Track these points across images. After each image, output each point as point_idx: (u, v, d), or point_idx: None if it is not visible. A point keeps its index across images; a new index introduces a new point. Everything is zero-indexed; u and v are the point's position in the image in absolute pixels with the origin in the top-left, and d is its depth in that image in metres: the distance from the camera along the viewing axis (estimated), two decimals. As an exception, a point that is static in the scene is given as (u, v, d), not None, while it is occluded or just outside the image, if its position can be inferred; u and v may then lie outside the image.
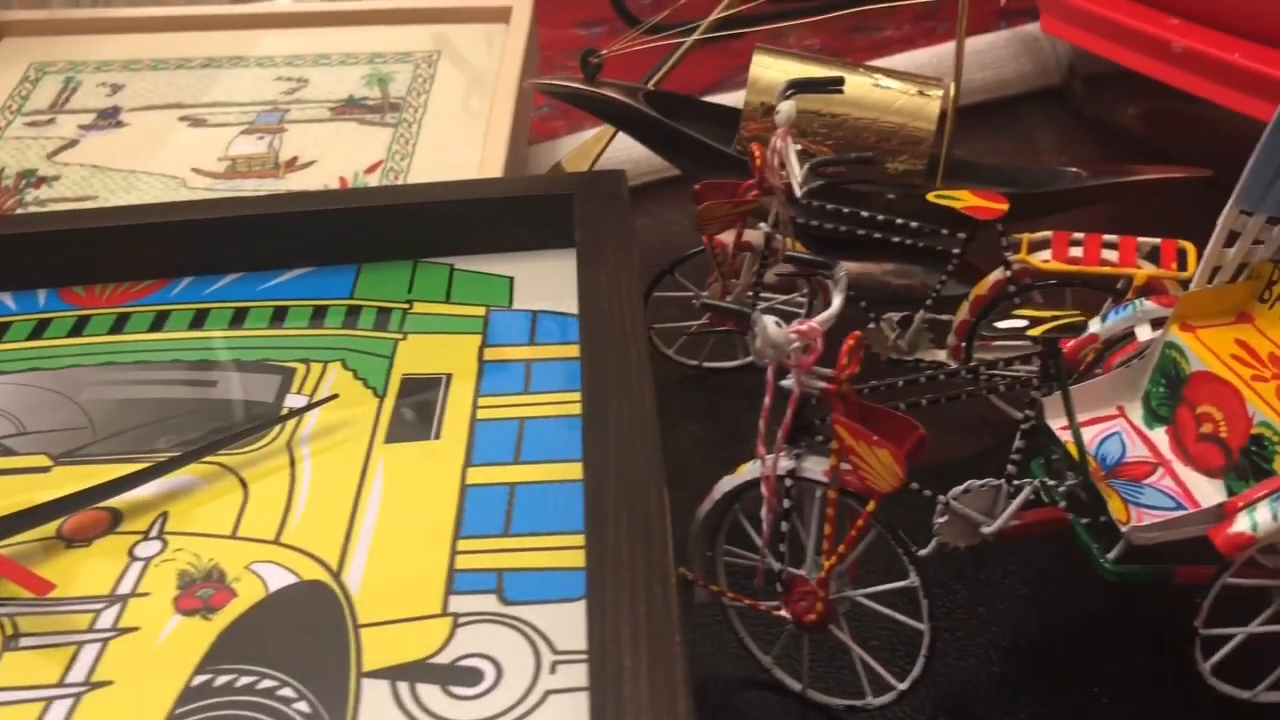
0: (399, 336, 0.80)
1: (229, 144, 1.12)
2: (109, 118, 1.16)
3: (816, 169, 0.80)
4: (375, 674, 0.55)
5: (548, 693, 0.54)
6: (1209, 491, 0.65)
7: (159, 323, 0.83)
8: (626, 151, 1.19)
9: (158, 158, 1.10)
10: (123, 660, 0.56)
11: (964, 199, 0.79)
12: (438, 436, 0.71)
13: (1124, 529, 0.62)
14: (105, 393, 0.75)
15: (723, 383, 0.96)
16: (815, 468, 0.61)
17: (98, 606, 0.59)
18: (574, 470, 0.65)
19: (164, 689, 0.54)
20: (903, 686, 0.64)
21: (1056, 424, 0.71)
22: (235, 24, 1.28)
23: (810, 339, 0.58)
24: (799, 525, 0.64)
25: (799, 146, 0.81)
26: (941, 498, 0.65)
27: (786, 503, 0.62)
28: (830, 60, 1.00)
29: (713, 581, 0.68)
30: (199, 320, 0.83)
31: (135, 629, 0.58)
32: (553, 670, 0.55)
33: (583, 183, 0.88)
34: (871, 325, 0.87)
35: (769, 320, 0.57)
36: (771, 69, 0.97)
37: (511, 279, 0.86)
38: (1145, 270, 0.76)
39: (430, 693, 0.54)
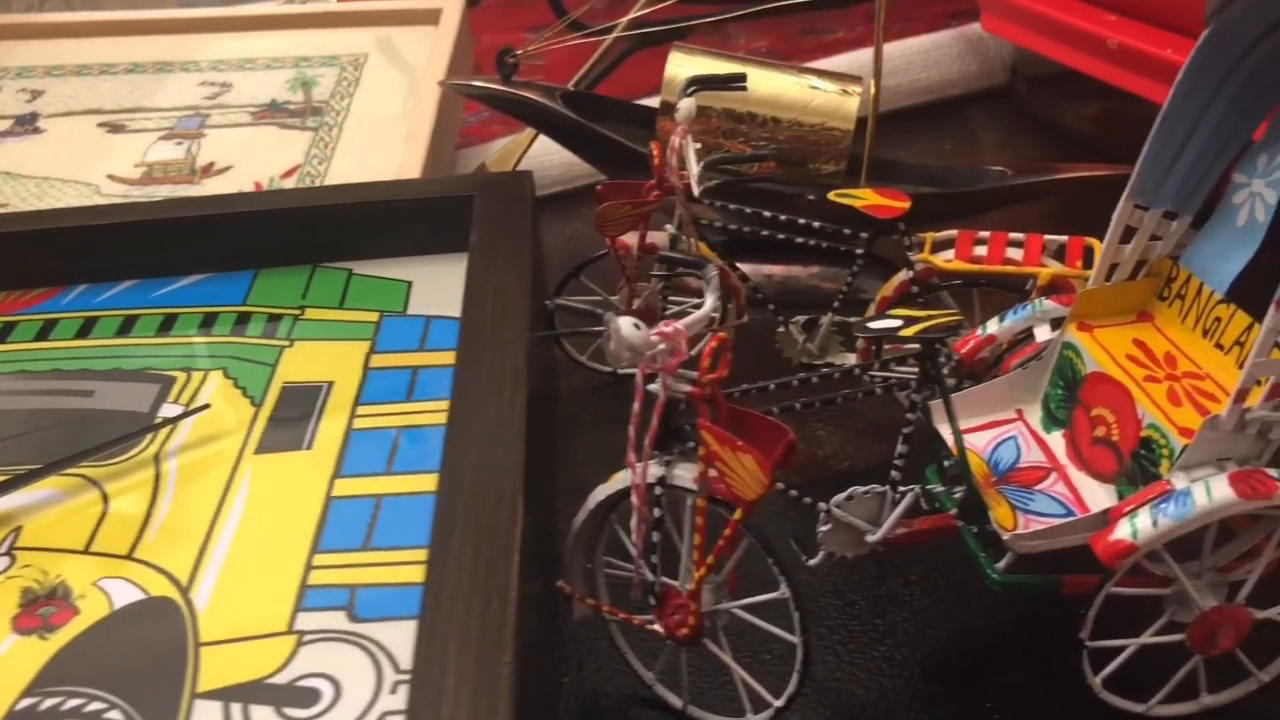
0: (285, 343, 0.78)
1: (147, 150, 1.09)
2: (26, 124, 1.14)
3: (712, 168, 0.77)
4: (209, 695, 0.53)
5: (385, 714, 0.52)
6: (1101, 497, 0.62)
7: (45, 332, 0.80)
8: (560, 154, 1.16)
9: (73, 164, 1.08)
10: (-53, 683, 0.54)
11: (865, 198, 0.76)
12: (310, 447, 0.68)
13: (1005, 537, 0.59)
14: (-24, 404, 0.73)
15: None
16: (685, 475, 0.59)
17: (-70, 626, 0.57)
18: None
19: (-16, 713, 0.52)
20: (779, 704, 0.61)
21: (949, 430, 0.68)
22: (163, 29, 1.26)
23: (674, 341, 0.56)
24: (675, 535, 0.62)
25: (699, 145, 0.79)
26: (823, 505, 0.63)
27: (657, 511, 0.60)
28: (749, 59, 0.97)
29: (593, 595, 0.66)
30: (86, 329, 0.80)
31: (-35, 649, 0.56)
32: (393, 690, 0.53)
33: (484, 184, 0.86)
34: (781, 329, 0.85)
35: (624, 322, 0.54)
36: (687, 67, 0.95)
37: (410, 283, 0.84)
38: (1049, 269, 0.74)
39: (264, 714, 0.52)
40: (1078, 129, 1.33)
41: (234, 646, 0.55)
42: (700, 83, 0.81)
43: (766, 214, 0.81)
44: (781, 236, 0.81)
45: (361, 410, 0.71)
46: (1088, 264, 0.74)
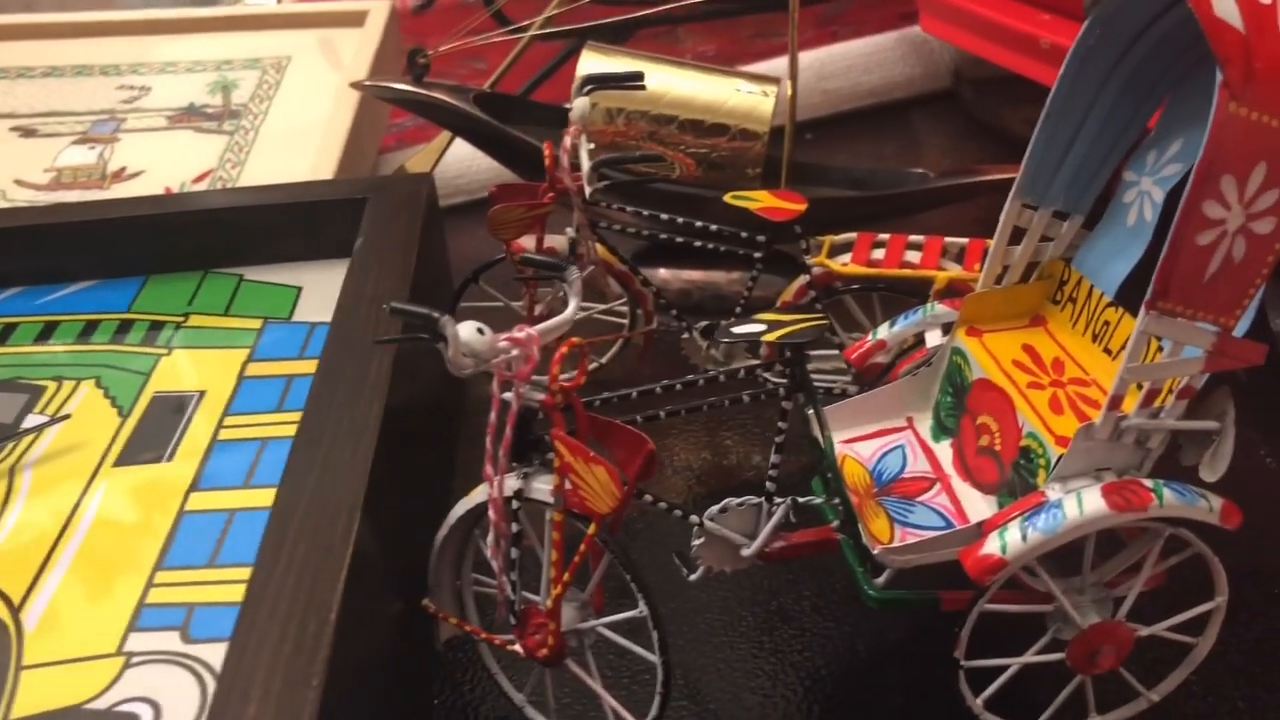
0: (164, 352, 0.75)
1: (57, 155, 1.07)
2: (-63, 128, 1.11)
3: (600, 168, 0.75)
4: (23, 721, 0.50)
5: (202, 740, 0.49)
6: (982, 509, 0.60)
7: (-80, 340, 0.77)
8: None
9: (-20, 170, 1.05)
10: None
11: (760, 200, 0.74)
12: (170, 459, 0.66)
13: (875, 551, 0.57)
14: None
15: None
16: (544, 488, 0.56)
17: None
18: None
19: None
20: (642, 726, 0.59)
21: (837, 437, 0.66)
22: (84, 31, 1.23)
23: (526, 348, 0.53)
24: (540, 551, 0.59)
25: (593, 145, 0.76)
26: (695, 518, 0.60)
27: (515, 526, 0.57)
28: (666, 60, 0.95)
29: (462, 614, 0.63)
30: (-38, 337, 0.78)
31: None
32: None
33: (378, 187, 0.84)
34: (686, 335, 0.82)
35: (465, 326, 0.52)
36: (599, 66, 0.92)
37: (299, 289, 0.81)
38: (947, 273, 0.71)
39: (75, 741, 0.49)
40: (1022, 133, 1.30)
41: (57, 669, 0.53)
42: (596, 81, 0.78)
43: (664, 217, 0.78)
44: (680, 240, 0.79)
45: (229, 421, 0.69)
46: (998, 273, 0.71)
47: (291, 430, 0.66)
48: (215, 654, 0.53)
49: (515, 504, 0.57)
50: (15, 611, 0.56)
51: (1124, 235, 0.62)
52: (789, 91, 0.95)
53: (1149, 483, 0.53)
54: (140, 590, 0.57)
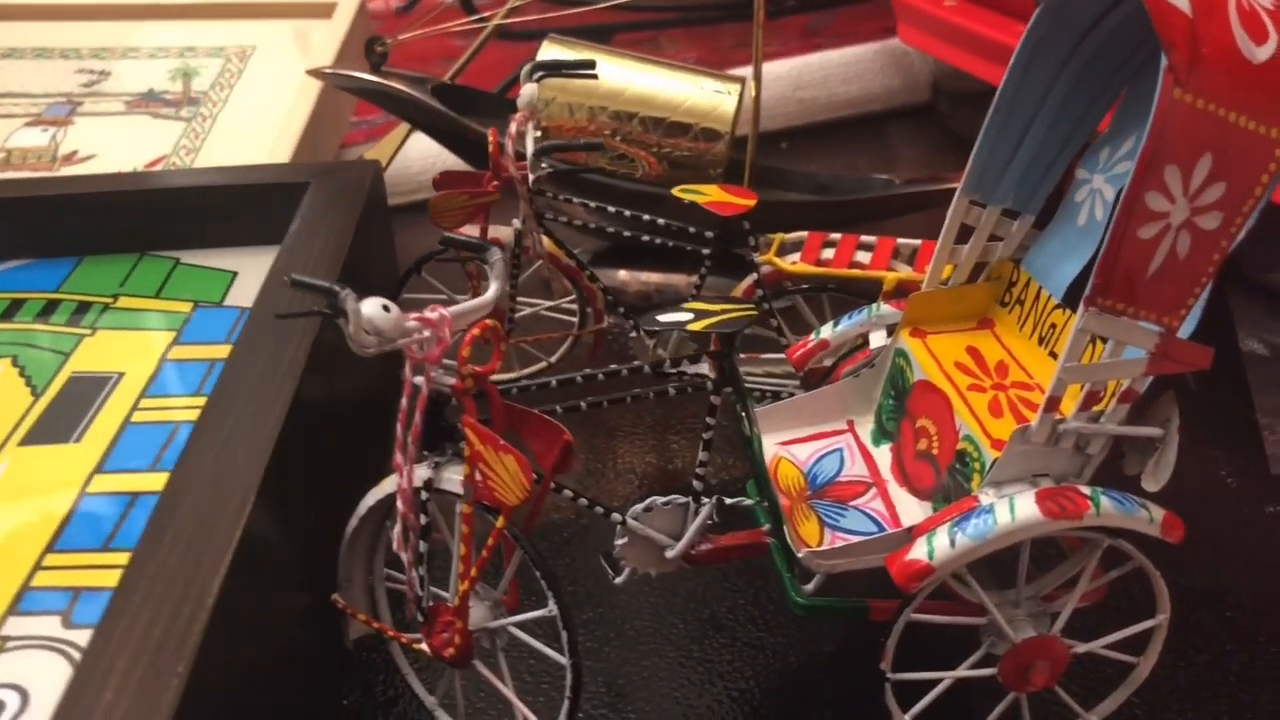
0: (87, 333, 0.72)
1: (9, 136, 1.04)
2: (-112, 108, 1.09)
3: (542, 155, 0.72)
4: (-121, 710, 0.47)
5: (66, 731, 0.46)
6: (917, 514, 0.57)
7: None
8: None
9: (-71, 149, 1.03)
10: None
11: (709, 194, 0.71)
12: (78, 439, 0.63)
13: (799, 554, 0.54)
14: None
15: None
16: (455, 478, 0.53)
17: None
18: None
19: None
20: (550, 733, 0.56)
21: (774, 439, 0.63)
22: (44, 15, 1.21)
23: (437, 329, 0.51)
24: (451, 545, 0.56)
25: (539, 133, 0.74)
26: (617, 516, 0.58)
27: (424, 518, 0.54)
28: (626, 54, 0.93)
29: (374, 610, 0.60)
30: (-115, 313, 0.75)
31: None
32: (84, 705, 0.47)
33: (321, 172, 0.81)
34: (634, 334, 0.80)
35: (369, 303, 0.49)
36: (558, 57, 0.90)
37: (235, 274, 0.79)
38: (896, 273, 0.69)
39: (-70, 729, 0.46)
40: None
41: (-74, 652, 0.50)
42: (546, 68, 0.76)
43: (611, 209, 0.76)
44: (628, 234, 0.76)
45: (145, 403, 0.66)
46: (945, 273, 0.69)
47: (206, 414, 0.63)
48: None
49: (424, 495, 0.54)
50: (-108, 593, 0.53)
51: (1074, 235, 0.59)
52: (753, 92, 0.93)
53: (1086, 490, 0.50)
54: (25, 573, 0.54)
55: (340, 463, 0.66)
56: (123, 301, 0.76)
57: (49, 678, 0.48)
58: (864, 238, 0.73)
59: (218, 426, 0.55)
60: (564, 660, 0.54)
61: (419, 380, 0.52)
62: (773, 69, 1.31)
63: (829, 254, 0.72)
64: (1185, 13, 0.45)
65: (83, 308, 0.75)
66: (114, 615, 0.45)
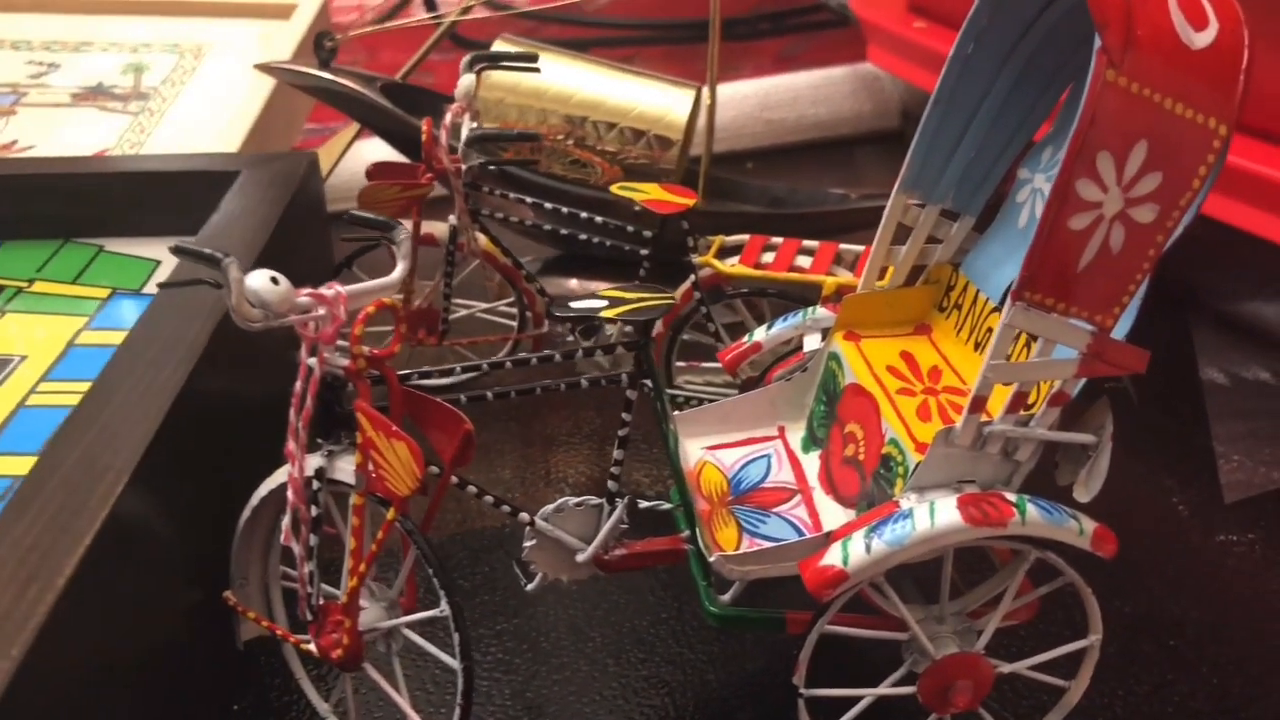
0: (-8, 316, 0.69)
1: (-52, 124, 1.02)
2: None
3: (475, 144, 0.70)
4: None
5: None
6: (839, 522, 0.54)
7: None
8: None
9: None
10: None
11: (648, 192, 0.69)
12: (-33, 420, 0.60)
13: (711, 559, 0.51)
14: None
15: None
16: (348, 468, 0.50)
17: None
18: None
19: None
20: (441, 743, 0.52)
21: (701, 443, 0.60)
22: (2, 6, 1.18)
23: (332, 307, 0.48)
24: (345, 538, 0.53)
25: (475, 124, 0.72)
26: (526, 516, 0.55)
27: (315, 509, 0.51)
28: (578, 56, 0.90)
29: (269, 610, 0.57)
30: None
31: None
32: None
33: (254, 163, 0.78)
34: (570, 338, 0.77)
35: (255, 274, 0.46)
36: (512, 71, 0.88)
37: (158, 263, 0.76)
38: (836, 278, 0.66)
39: None
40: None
41: None
42: (485, 59, 0.74)
43: (547, 206, 0.73)
44: (565, 232, 0.74)
45: (44, 387, 0.63)
46: (882, 275, 0.66)
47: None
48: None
49: (316, 484, 0.51)
50: None
51: (1015, 237, 0.57)
52: (708, 101, 0.91)
53: (1012, 497, 0.47)
54: (-112, 553, 0.50)
55: (248, 458, 0.62)
56: (37, 286, 0.73)
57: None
58: (806, 242, 0.70)
59: (98, 409, 0.52)
60: (455, 664, 0.50)
61: (313, 362, 0.49)
62: (740, 88, 1.30)
63: (769, 258, 0.69)
64: (1120, -8, 0.42)
65: (-6, 291, 0.72)
66: (-48, 596, 0.41)
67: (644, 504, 0.55)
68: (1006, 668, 0.51)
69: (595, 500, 0.55)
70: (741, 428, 0.61)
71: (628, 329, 0.52)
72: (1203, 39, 0.44)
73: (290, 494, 0.51)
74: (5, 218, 0.78)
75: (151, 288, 0.73)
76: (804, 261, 0.69)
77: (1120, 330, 0.47)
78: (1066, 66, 0.55)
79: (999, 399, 0.48)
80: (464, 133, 0.71)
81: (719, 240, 0.71)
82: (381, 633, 0.53)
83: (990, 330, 0.56)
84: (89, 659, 0.44)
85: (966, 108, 0.56)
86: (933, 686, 0.51)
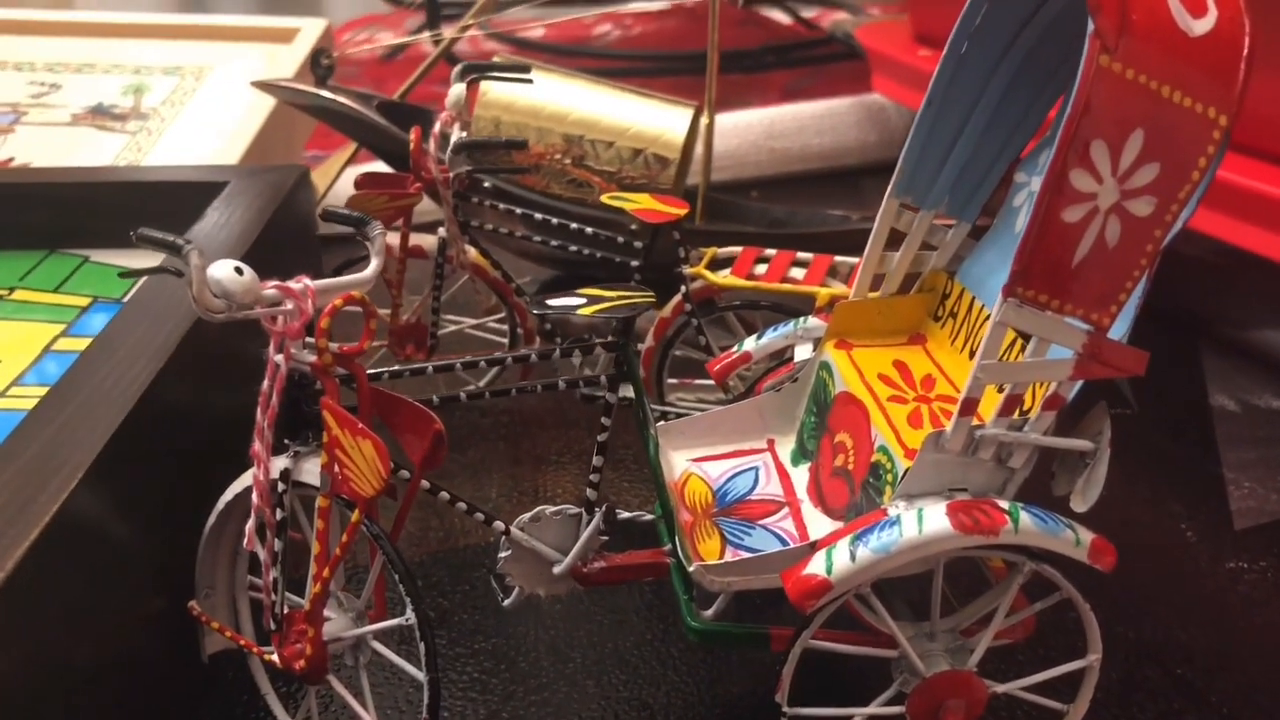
0: (-30, 322, 0.68)
1: (-54, 141, 1.01)
2: None
3: (464, 150, 0.69)
4: None
5: None
6: (827, 533, 0.51)
7: None
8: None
9: None
10: None
11: (638, 201, 0.67)
12: (-67, 423, 0.58)
13: (690, 569, 0.49)
14: None
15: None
16: (315, 469, 0.48)
17: None
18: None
19: None
20: (407, 760, 0.50)
21: (687, 454, 0.58)
22: (1, 29, 1.19)
23: (299, 301, 0.46)
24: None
25: (465, 134, 0.70)
26: (500, 525, 0.52)
27: (281, 513, 0.49)
28: (576, 75, 0.90)
29: (235, 621, 0.55)
30: None
31: None
32: None
33: (243, 174, 0.77)
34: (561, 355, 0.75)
35: (220, 265, 0.45)
36: (504, 81, 0.87)
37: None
38: (830, 289, 0.64)
39: None
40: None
41: None
42: (477, 69, 0.73)
43: (537, 216, 0.72)
44: (555, 243, 0.72)
45: (15, 391, 0.62)
46: (876, 287, 0.64)
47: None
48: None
49: (282, 487, 0.49)
50: None
51: (1011, 243, 0.55)
52: (706, 121, 0.90)
53: (1004, 504, 0.45)
54: None
55: (219, 463, 0.60)
56: (18, 295, 0.72)
57: None
58: (800, 255, 0.69)
59: (58, 408, 0.50)
60: (420, 676, 0.48)
61: (279, 359, 0.47)
62: (745, 117, 1.29)
63: (762, 269, 0.67)
64: (1114, -26, 0.41)
65: (-28, 299, 0.71)
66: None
67: (624, 514, 0.53)
68: (1000, 688, 0.49)
69: (573, 509, 0.53)
70: (729, 439, 0.59)
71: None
72: (1201, 25, 0.42)
73: (255, 497, 0.49)
74: (-10, 228, 0.77)
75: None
76: (798, 274, 0.67)
77: (1117, 331, 0.45)
78: (1064, 66, 0.53)
79: (991, 403, 0.46)
80: (453, 142, 0.70)
81: (711, 252, 0.69)
82: (348, 644, 0.51)
83: (985, 337, 0.54)
84: (34, 666, 0.42)
85: (960, 109, 0.54)
86: (923, 706, 0.48)
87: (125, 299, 0.71)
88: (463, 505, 0.52)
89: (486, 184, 0.81)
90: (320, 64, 0.91)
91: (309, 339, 0.47)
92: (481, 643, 0.61)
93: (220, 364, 0.60)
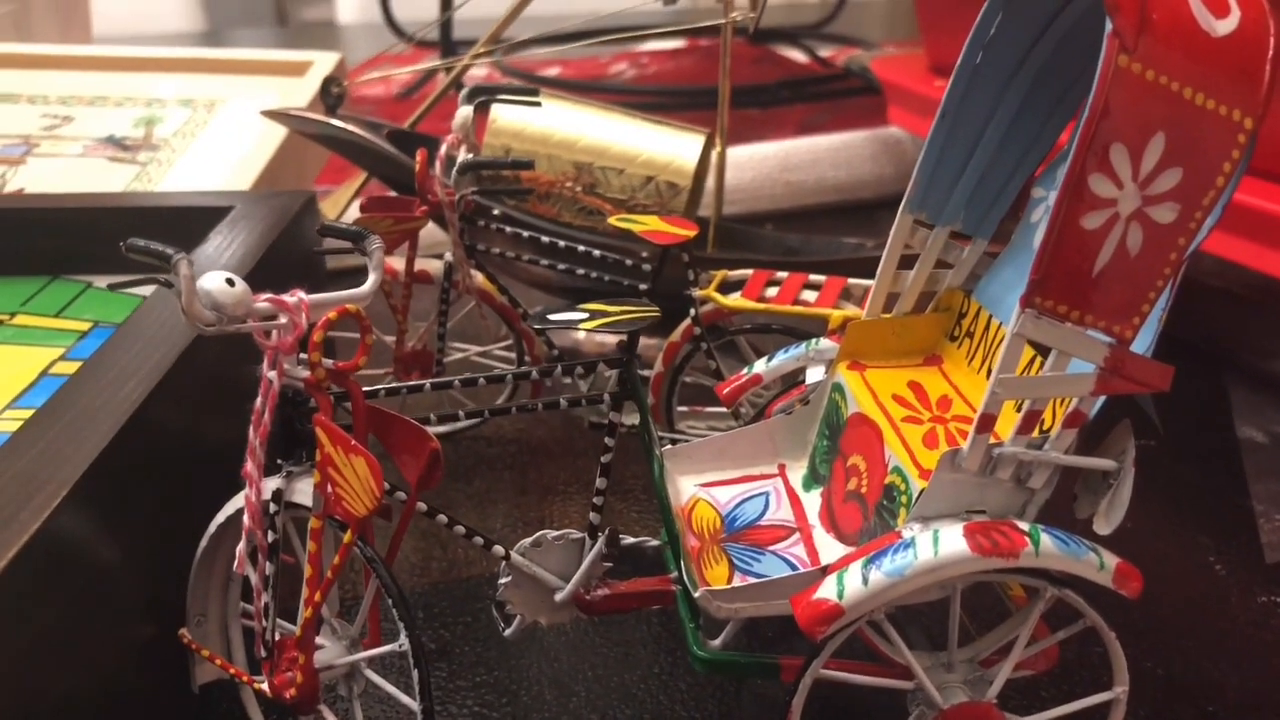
0: (-31, 346, 0.67)
1: (-42, 173, 1.01)
2: None
3: (469, 170, 0.67)
4: None
5: None
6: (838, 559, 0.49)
7: None
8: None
9: (-124, 183, 1.00)
10: None
11: (646, 223, 0.66)
12: (-75, 446, 0.57)
13: (695, 594, 0.46)
14: None
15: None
16: (309, 489, 0.47)
17: None
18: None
19: None
20: (399, 795, 0.48)
21: (695, 479, 0.56)
22: (19, 63, 1.19)
23: (293, 314, 0.45)
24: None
25: (470, 155, 0.69)
26: (500, 550, 0.51)
27: (273, 535, 0.47)
28: (586, 102, 0.89)
29: (228, 650, 0.53)
30: None
31: None
32: None
33: (249, 199, 0.77)
34: (566, 380, 0.73)
35: (211, 276, 0.44)
36: (513, 109, 0.86)
37: (144, 298, 0.73)
38: (843, 311, 0.63)
39: None
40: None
41: None
42: (485, 92, 0.72)
43: (544, 239, 0.70)
44: (562, 267, 0.71)
45: (10, 414, 0.61)
46: (890, 307, 0.63)
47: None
48: None
49: (274, 508, 0.47)
50: None
51: (1029, 258, 0.53)
52: (718, 150, 0.89)
53: (1024, 526, 0.43)
54: None
55: (212, 487, 0.59)
56: (19, 320, 0.71)
57: None
58: (812, 276, 0.67)
59: (45, 428, 0.49)
60: (414, 705, 0.46)
61: (272, 375, 0.46)
62: (760, 149, 1.28)
63: (773, 292, 0.66)
64: (1133, -28, 0.39)
65: (-27, 324, 0.70)
66: None
67: (628, 539, 0.51)
68: (1020, 721, 0.46)
69: (576, 534, 0.51)
70: (738, 464, 0.57)
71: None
72: (1224, 25, 0.41)
73: (246, 518, 0.47)
74: (-5, 254, 0.76)
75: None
76: (810, 296, 0.65)
77: (1140, 344, 0.43)
78: (1081, 79, 0.52)
79: (1009, 421, 0.44)
80: (459, 163, 0.69)
81: (721, 274, 0.68)
82: (341, 672, 0.49)
83: (1003, 356, 0.52)
84: (11, 696, 0.41)
85: (975, 121, 0.53)
86: (940, 740, 0.46)
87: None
88: (461, 529, 0.50)
89: (495, 210, 0.80)
90: (330, 92, 0.90)
91: (303, 355, 0.45)
92: (483, 675, 0.59)
93: (215, 386, 0.59)
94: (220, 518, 0.50)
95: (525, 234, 0.71)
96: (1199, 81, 0.40)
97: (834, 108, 1.62)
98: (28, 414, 0.60)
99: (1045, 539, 0.43)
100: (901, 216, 0.54)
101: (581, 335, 0.91)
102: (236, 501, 0.49)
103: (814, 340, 0.58)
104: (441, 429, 0.59)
